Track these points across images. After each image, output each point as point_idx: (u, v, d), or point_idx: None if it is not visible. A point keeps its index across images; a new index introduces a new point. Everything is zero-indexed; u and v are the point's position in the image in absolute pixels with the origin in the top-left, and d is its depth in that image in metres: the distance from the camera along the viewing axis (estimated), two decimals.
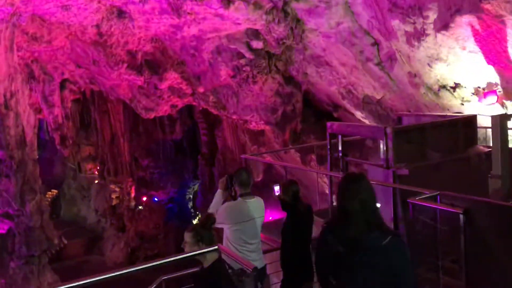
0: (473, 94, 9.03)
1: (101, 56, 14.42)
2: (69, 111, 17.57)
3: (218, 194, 4.53)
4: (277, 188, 5.33)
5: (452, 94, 9.59)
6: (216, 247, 3.06)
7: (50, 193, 30.48)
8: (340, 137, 5.87)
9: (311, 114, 15.39)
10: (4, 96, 10.59)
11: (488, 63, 7.96)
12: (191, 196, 32.98)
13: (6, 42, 10.68)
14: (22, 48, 12.94)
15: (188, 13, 11.73)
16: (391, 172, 4.99)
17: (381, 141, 5.10)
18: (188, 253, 3.10)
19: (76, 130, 27.12)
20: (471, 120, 5.50)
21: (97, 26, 12.64)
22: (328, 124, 6.15)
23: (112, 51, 14.06)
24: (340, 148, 5.85)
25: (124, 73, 14.91)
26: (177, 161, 32.04)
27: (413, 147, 5.17)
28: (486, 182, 4.91)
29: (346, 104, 13.51)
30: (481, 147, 5.61)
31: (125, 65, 14.60)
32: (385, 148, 5.04)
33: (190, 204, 32.78)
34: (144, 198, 29.63)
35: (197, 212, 31.37)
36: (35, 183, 12.30)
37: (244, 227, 4.31)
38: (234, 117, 15.76)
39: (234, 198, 4.44)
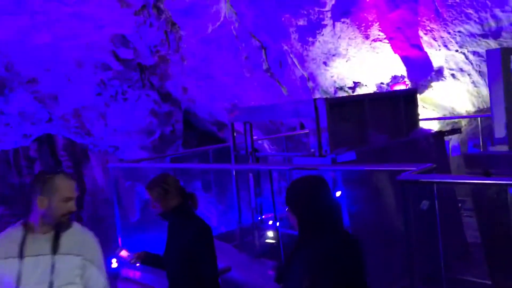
0: (375, 92, 8.18)
1: None
2: None
3: None
4: None
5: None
6: None
7: None
8: (248, 125, 4.32)
9: (193, 136, 13.73)
10: None
11: (395, 51, 7.12)
12: None
13: None
14: None
15: (36, 12, 9.49)
16: (328, 160, 3.54)
17: (310, 120, 3.66)
18: None
19: None
20: (412, 95, 4.35)
21: None
22: (231, 110, 4.59)
23: None
24: (249, 141, 4.30)
25: None
26: None
27: (351, 127, 3.82)
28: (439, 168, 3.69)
29: None
30: (425, 129, 4.49)
31: None
32: (317, 130, 3.60)
33: None
34: None
35: None
36: None
37: None
38: (102, 144, 13.44)
39: None
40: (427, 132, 4.38)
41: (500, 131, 3.76)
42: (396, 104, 4.18)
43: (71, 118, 13.05)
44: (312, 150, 3.67)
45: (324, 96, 9.11)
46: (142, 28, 10.17)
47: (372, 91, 8.12)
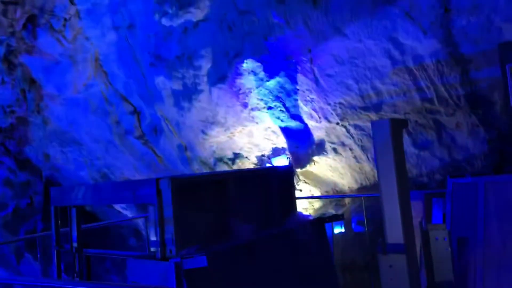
0: (255, 165, 7.49)
1: None
2: None
3: None
4: None
5: (231, 168, 7.93)
6: None
7: None
8: (74, 211, 3.23)
9: None
10: None
11: (275, 121, 6.54)
12: None
13: None
14: None
15: None
16: (171, 266, 2.56)
17: (152, 208, 2.69)
18: None
19: None
20: (288, 173, 3.58)
21: None
22: (52, 190, 3.46)
23: None
24: (75, 234, 3.19)
25: None
26: None
27: (209, 216, 2.91)
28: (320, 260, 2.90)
29: None
30: (303, 215, 3.74)
31: None
32: (159, 221, 2.64)
33: None
34: None
35: None
36: None
37: None
38: None
39: None
40: (305, 219, 3.63)
41: (395, 235, 2.96)
42: (268, 185, 3.39)
43: None
44: (153, 249, 2.69)
45: (202, 168, 8.25)
46: None
47: (252, 164, 7.43)
